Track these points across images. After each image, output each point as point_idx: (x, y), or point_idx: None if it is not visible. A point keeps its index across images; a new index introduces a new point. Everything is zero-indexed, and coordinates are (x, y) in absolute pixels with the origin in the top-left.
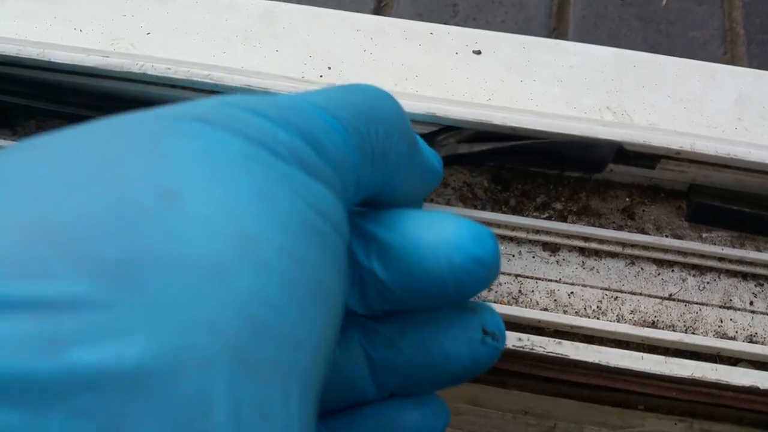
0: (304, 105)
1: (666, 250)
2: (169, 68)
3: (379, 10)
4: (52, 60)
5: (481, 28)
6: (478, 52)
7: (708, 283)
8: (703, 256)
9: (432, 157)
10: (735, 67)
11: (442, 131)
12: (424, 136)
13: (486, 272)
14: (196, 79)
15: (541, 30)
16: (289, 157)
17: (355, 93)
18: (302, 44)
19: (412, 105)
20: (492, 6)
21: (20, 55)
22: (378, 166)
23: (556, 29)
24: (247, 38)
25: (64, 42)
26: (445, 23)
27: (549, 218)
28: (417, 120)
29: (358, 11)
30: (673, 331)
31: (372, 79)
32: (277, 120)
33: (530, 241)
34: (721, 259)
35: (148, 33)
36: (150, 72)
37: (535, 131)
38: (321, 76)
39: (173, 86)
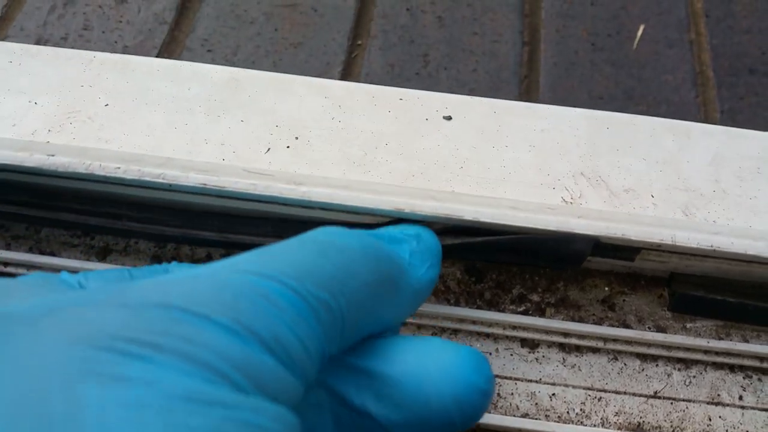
0: (262, 287)
1: (649, 344)
2: (118, 167)
3: (350, 62)
4: None
5: (452, 78)
6: (449, 118)
7: (694, 377)
8: (687, 349)
9: (427, 263)
10: (709, 126)
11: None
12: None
13: (487, 401)
14: (148, 179)
15: (512, 78)
16: (242, 380)
17: (322, 250)
18: (268, 113)
19: (377, 200)
20: (463, 55)
21: None
22: (349, 332)
23: (528, 77)
24: (211, 108)
25: (18, 116)
26: (417, 74)
27: (526, 312)
28: (384, 215)
29: (328, 63)
30: None
31: (341, 148)
32: (231, 328)
33: (508, 338)
34: (706, 351)
35: (107, 105)
36: (98, 172)
37: (509, 226)
38: (288, 147)
39: (124, 185)
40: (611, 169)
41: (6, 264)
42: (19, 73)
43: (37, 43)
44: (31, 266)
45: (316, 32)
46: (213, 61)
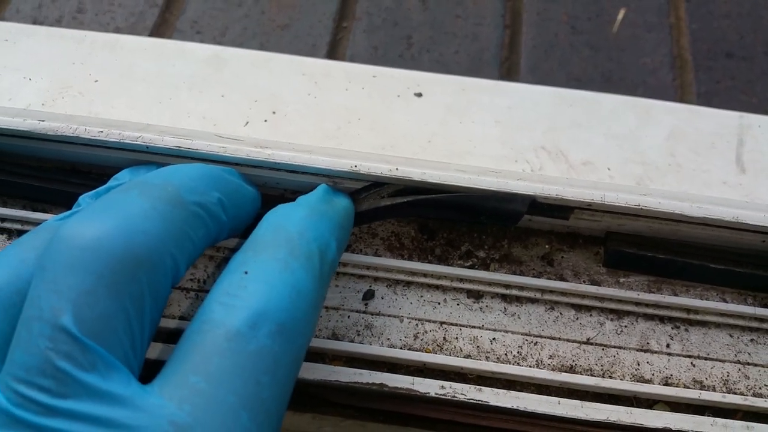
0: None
1: (583, 296)
2: (101, 131)
3: (335, 44)
4: None
5: (434, 60)
6: (420, 95)
7: (625, 326)
8: (620, 300)
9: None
10: (670, 103)
11: (364, 189)
12: (351, 192)
13: None
14: (128, 141)
15: (493, 60)
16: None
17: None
18: (248, 89)
19: (334, 162)
20: (446, 38)
21: None
22: None
23: (508, 59)
24: (194, 84)
25: (13, 91)
26: (401, 56)
27: (473, 266)
28: (341, 176)
29: (314, 45)
30: (591, 375)
31: (315, 122)
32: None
33: (455, 289)
34: (637, 303)
35: (96, 81)
36: (83, 135)
37: (454, 186)
38: (266, 120)
39: (107, 147)
40: (571, 143)
41: (3, 220)
42: (15, 51)
43: (33, 24)
44: (25, 222)
45: (303, 14)
46: (202, 43)
